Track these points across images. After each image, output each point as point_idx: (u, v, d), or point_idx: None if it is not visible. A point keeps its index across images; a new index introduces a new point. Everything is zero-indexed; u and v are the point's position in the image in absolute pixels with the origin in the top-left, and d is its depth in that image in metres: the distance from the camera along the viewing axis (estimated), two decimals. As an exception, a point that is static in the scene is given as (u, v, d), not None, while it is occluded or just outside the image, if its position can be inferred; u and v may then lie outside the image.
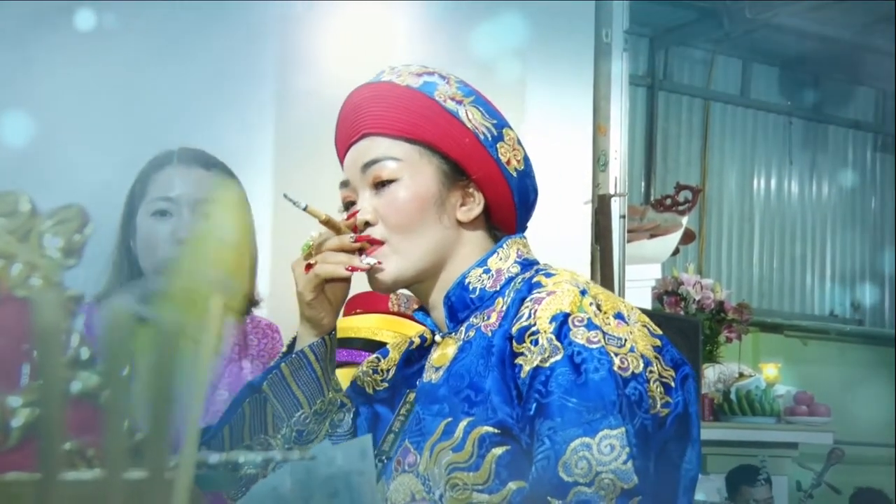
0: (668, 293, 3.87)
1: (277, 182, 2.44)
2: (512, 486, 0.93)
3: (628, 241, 2.97)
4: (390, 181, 1.05)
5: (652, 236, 3.62)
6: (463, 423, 0.97)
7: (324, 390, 1.09)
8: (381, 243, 1.04)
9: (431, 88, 1.07)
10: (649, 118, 5.16)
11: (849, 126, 5.75)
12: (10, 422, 0.54)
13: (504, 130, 1.08)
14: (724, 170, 5.40)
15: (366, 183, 1.06)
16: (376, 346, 1.58)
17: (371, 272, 1.05)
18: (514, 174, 1.08)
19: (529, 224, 1.15)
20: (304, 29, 2.27)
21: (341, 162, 1.13)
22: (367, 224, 1.05)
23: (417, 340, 1.13)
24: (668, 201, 3.84)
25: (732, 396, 3.69)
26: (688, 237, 3.87)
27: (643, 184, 5.11)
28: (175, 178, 1.47)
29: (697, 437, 1.00)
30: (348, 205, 1.09)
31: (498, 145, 1.07)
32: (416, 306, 1.96)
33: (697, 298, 3.85)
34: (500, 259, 1.06)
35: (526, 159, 1.10)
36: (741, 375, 3.84)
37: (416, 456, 1.00)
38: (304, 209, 1.07)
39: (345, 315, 1.90)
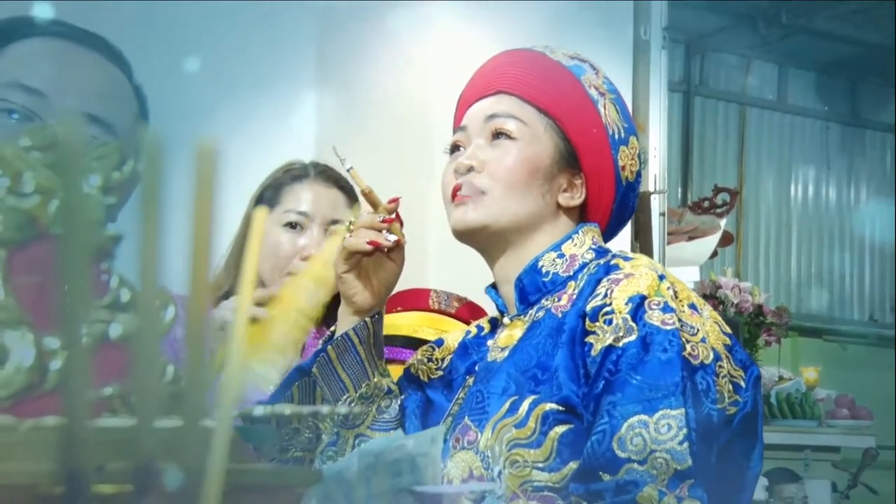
0: (706, 296, 3.88)
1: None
2: (573, 465, 0.92)
3: (667, 244, 3.00)
4: (508, 137, 1.04)
5: (690, 238, 3.64)
6: (528, 401, 0.96)
7: (369, 374, 1.09)
8: (480, 192, 1.03)
9: (580, 71, 1.07)
10: (685, 123, 5.18)
11: (886, 130, 5.73)
12: (49, 364, 0.52)
13: (631, 138, 1.08)
14: (762, 174, 5.40)
15: (484, 132, 1.06)
16: (417, 344, 1.61)
17: (456, 213, 1.04)
18: (624, 183, 1.07)
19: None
20: (346, 17, 2.32)
21: (458, 117, 1.13)
22: (471, 170, 1.04)
23: (474, 330, 1.13)
24: (706, 203, 3.86)
25: (773, 400, 3.68)
26: (726, 239, 3.88)
27: (680, 189, 5.13)
28: (311, 192, 1.45)
29: (762, 436, 0.99)
30: (454, 148, 1.09)
31: (621, 148, 1.06)
32: (456, 304, 2.00)
33: (736, 302, 3.85)
34: (575, 245, 1.05)
35: (639, 175, 1.09)
36: (781, 379, 3.83)
37: (476, 433, 0.99)
38: (349, 170, 1.08)
39: (385, 313, 1.95)
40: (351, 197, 1.48)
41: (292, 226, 1.44)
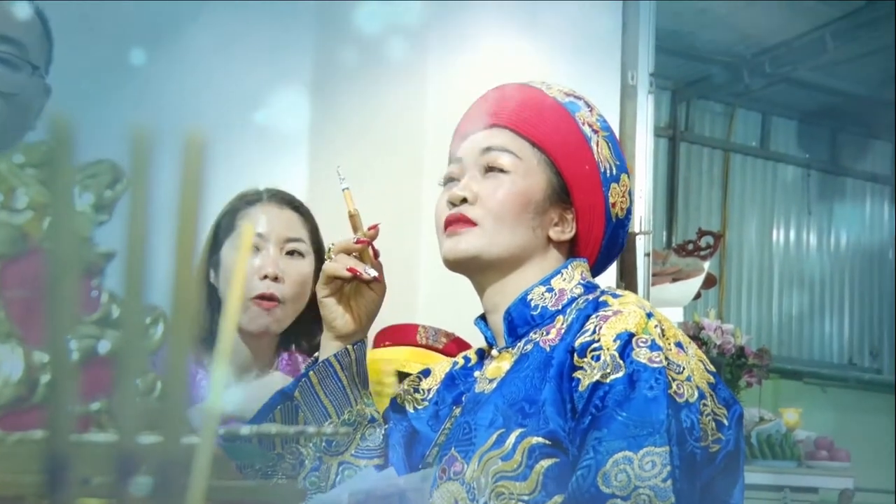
0: (689, 337, 3.90)
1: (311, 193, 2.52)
2: (557, 498, 0.92)
3: (651, 285, 3.03)
4: (502, 171, 1.06)
5: (674, 280, 3.68)
6: (515, 434, 0.96)
7: (351, 401, 1.09)
8: (472, 223, 1.05)
9: (574, 108, 1.09)
10: (671, 168, 5.26)
11: (866, 179, 5.83)
12: (38, 377, 0.53)
13: (623, 175, 1.09)
14: (744, 219, 5.47)
15: (478, 165, 1.07)
16: (405, 378, 1.65)
17: (447, 243, 1.06)
18: (614, 219, 1.09)
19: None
20: (343, 16, 2.36)
21: (453, 149, 1.14)
22: (464, 201, 1.06)
23: (462, 361, 1.14)
24: (690, 246, 3.91)
25: (753, 440, 3.70)
26: (709, 281, 3.93)
27: (665, 231, 5.19)
28: (265, 215, 1.48)
29: (743, 473, 1.00)
30: (448, 179, 1.11)
31: (612, 185, 1.08)
32: (444, 340, 2.01)
33: (718, 343, 3.88)
34: (564, 280, 1.06)
35: (629, 212, 1.10)
36: (762, 420, 3.86)
37: (462, 464, 0.99)
38: (343, 190, 1.10)
39: (374, 347, 1.97)
40: (306, 217, 1.53)
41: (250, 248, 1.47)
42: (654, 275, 3.23)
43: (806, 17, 4.45)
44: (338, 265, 1.07)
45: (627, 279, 2.80)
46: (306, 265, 1.51)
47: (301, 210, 1.53)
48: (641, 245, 2.81)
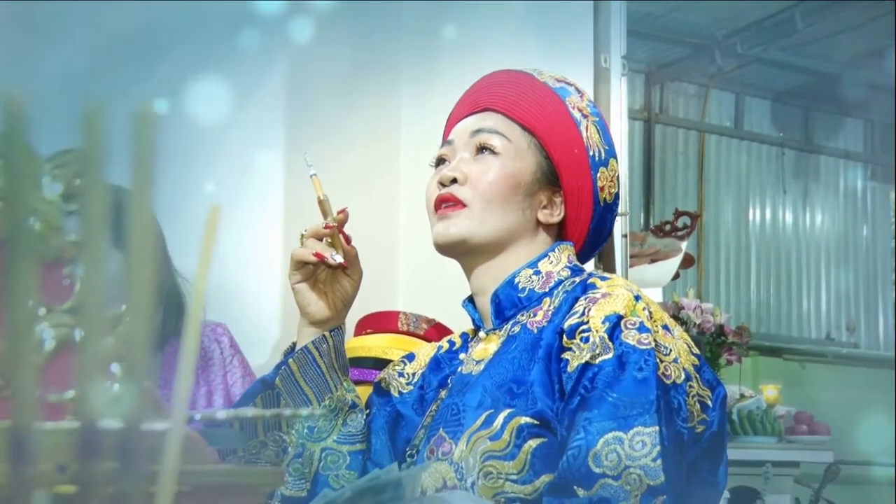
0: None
1: (288, 195, 2.53)
2: (545, 478, 0.94)
3: (630, 266, 3.06)
4: (492, 153, 1.07)
5: (653, 261, 3.71)
6: (503, 414, 0.97)
7: (331, 387, 1.09)
8: (462, 204, 1.06)
9: (565, 93, 1.10)
10: (646, 151, 5.30)
11: (839, 156, 5.90)
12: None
13: (611, 160, 1.11)
14: (721, 199, 5.52)
15: (469, 147, 1.09)
16: (386, 365, 1.66)
17: (438, 227, 1.07)
18: (602, 203, 1.10)
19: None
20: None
21: (446, 132, 1.16)
22: (454, 181, 1.07)
23: (446, 345, 1.15)
24: (668, 227, 3.95)
25: (734, 417, 3.75)
26: (687, 261, 3.96)
27: (642, 213, 5.23)
28: None
29: (726, 453, 1.02)
30: (440, 161, 1.12)
31: (600, 169, 1.09)
32: (425, 326, 2.02)
33: (698, 322, 3.92)
34: (551, 262, 1.08)
35: (616, 197, 1.12)
36: (742, 396, 3.91)
37: (451, 444, 1.00)
38: (311, 176, 1.10)
39: (355, 335, 1.98)
40: None
41: None
42: (632, 256, 3.26)
43: (775, -2, 4.50)
44: (305, 250, 1.07)
45: (605, 261, 2.82)
46: None
47: None
48: (619, 226, 2.83)
